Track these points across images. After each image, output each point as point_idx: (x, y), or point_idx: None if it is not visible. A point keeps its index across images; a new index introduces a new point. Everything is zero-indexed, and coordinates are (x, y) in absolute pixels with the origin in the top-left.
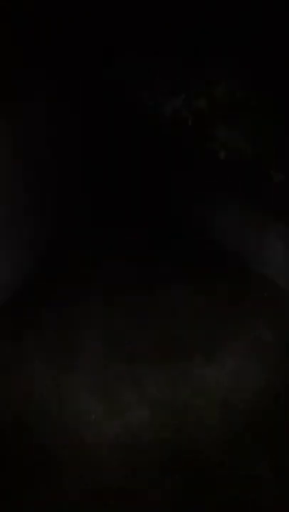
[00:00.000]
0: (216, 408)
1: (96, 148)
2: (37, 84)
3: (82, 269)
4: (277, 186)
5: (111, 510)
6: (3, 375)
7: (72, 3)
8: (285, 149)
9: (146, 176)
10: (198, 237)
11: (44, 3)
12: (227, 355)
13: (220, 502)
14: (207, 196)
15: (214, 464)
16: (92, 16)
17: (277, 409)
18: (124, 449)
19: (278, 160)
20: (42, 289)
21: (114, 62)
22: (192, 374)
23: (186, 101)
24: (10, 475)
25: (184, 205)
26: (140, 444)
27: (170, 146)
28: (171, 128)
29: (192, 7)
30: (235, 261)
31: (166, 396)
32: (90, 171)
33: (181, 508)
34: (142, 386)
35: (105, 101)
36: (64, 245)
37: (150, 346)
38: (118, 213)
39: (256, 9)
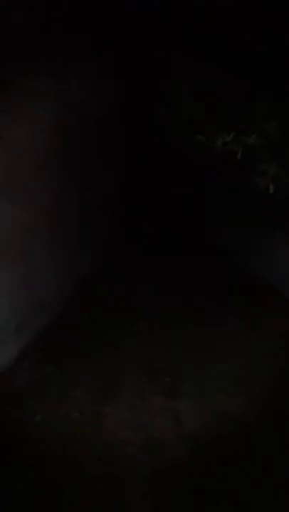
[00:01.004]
0: (252, 443)
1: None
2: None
3: (127, 297)
4: None
5: None
6: (45, 398)
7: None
8: None
9: (188, 205)
10: (236, 269)
11: None
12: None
13: None
14: (248, 225)
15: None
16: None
17: None
18: (158, 483)
19: None
20: (85, 314)
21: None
22: (231, 410)
23: (237, 136)
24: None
25: (225, 237)
26: (175, 484)
27: (218, 177)
28: (220, 161)
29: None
30: (270, 292)
31: (205, 434)
32: (130, 195)
33: None
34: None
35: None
36: (103, 271)
37: (190, 381)
38: (158, 240)
39: None
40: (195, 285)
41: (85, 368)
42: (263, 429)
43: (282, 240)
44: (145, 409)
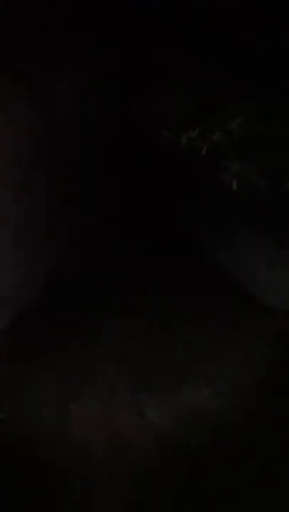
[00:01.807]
0: (219, 437)
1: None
2: None
3: (95, 292)
4: None
5: None
6: (13, 396)
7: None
8: None
9: (159, 201)
10: (209, 263)
11: None
12: (233, 386)
13: None
14: (219, 223)
15: (217, 497)
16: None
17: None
18: (125, 479)
19: None
20: (53, 309)
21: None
22: (197, 405)
23: (202, 133)
24: (12, 494)
25: (195, 231)
26: (142, 476)
27: (185, 173)
28: (185, 157)
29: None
30: (243, 290)
31: (170, 426)
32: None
33: None
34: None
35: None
36: (75, 266)
37: (158, 375)
38: (129, 236)
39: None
40: (169, 283)
41: (53, 364)
42: (230, 422)
43: (251, 239)
44: (112, 404)
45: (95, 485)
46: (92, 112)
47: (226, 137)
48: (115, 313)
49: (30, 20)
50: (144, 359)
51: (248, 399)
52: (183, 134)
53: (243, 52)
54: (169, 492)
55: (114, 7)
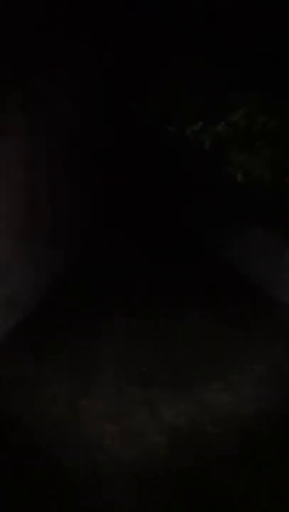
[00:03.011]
0: (233, 435)
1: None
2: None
3: (102, 292)
4: None
5: None
6: (21, 395)
7: None
8: None
9: (164, 197)
10: (215, 260)
11: None
12: (245, 382)
13: None
14: (225, 220)
15: (232, 493)
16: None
17: None
18: (137, 475)
19: None
20: (60, 310)
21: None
22: (208, 400)
23: (205, 125)
24: (22, 494)
25: (200, 227)
26: (154, 472)
27: (190, 168)
28: (189, 150)
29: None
30: (251, 285)
31: (182, 422)
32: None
33: None
34: (157, 411)
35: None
36: (83, 267)
37: (167, 371)
38: (133, 234)
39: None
40: (175, 282)
41: (62, 363)
42: (240, 416)
43: (261, 235)
44: (123, 400)
45: (105, 480)
46: (90, 111)
47: (229, 129)
48: (123, 312)
49: (30, 20)
50: (154, 357)
51: (260, 394)
52: (187, 127)
53: (243, 52)
54: (180, 487)
55: (114, 7)
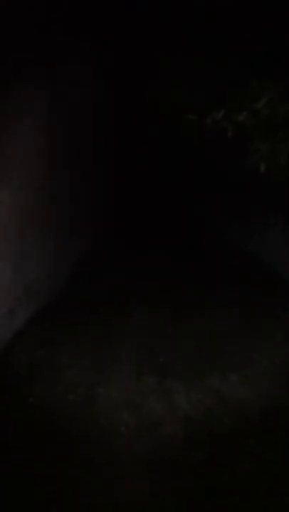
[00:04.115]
0: (251, 427)
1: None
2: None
3: (125, 280)
4: None
5: None
6: (42, 381)
7: None
8: None
9: (183, 190)
10: (236, 251)
11: None
12: (260, 374)
13: None
14: (246, 210)
15: (246, 483)
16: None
17: None
18: (152, 463)
19: None
20: (78, 300)
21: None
22: (224, 391)
23: (227, 113)
24: (41, 478)
25: (221, 217)
26: (170, 460)
27: (211, 158)
28: (211, 139)
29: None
30: (272, 276)
31: (198, 411)
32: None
33: None
34: (173, 401)
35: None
36: (100, 259)
37: (185, 363)
38: (152, 226)
39: None
40: (191, 272)
41: (78, 352)
42: (254, 407)
43: (275, 225)
44: (140, 390)
45: (120, 468)
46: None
47: (252, 117)
48: (143, 302)
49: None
50: (171, 349)
51: (275, 385)
52: (208, 116)
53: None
54: (195, 476)
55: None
